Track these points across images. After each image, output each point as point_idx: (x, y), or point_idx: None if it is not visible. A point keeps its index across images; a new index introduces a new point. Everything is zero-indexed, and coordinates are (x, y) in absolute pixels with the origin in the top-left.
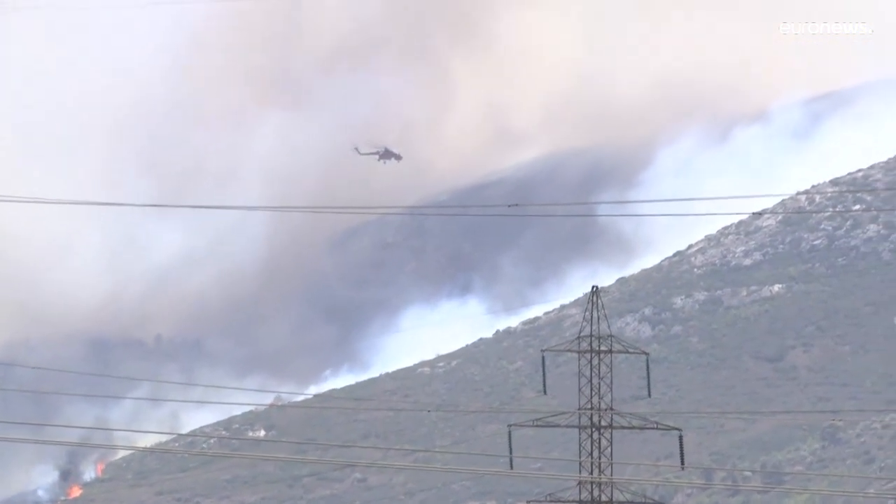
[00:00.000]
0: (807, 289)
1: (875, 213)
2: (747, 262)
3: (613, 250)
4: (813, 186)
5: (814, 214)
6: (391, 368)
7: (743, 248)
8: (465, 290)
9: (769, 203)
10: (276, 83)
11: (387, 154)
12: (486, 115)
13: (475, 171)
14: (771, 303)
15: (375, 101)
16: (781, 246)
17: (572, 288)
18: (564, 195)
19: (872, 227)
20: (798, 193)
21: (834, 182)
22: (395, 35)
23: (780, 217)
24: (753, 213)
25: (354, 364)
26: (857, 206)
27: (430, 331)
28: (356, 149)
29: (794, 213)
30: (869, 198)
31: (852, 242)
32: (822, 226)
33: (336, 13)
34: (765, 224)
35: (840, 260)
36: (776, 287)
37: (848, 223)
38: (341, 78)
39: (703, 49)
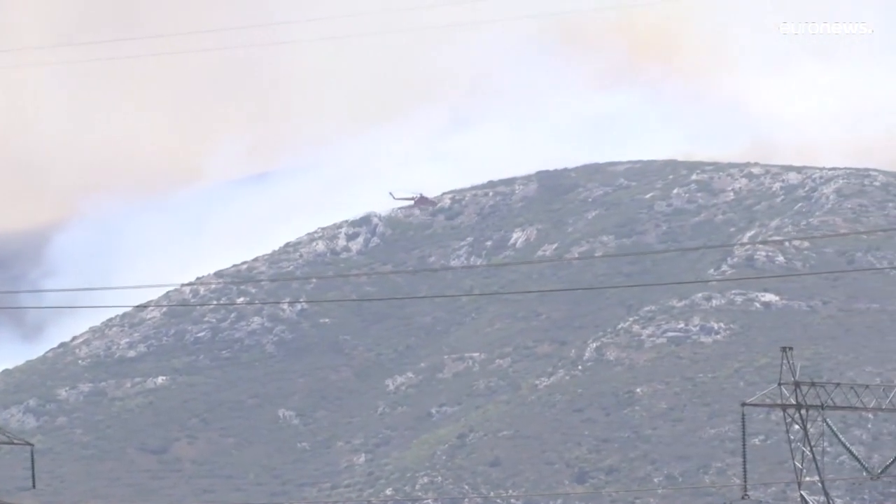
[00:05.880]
0: (191, 381)
1: (259, 305)
2: (132, 353)
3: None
4: (198, 278)
5: (198, 307)
6: None
7: (128, 339)
8: None
9: (155, 294)
10: None
11: (422, 201)
12: None
13: None
14: (155, 394)
15: None
16: (166, 338)
17: None
18: None
19: (257, 319)
20: (183, 285)
21: (219, 274)
22: None
23: (164, 309)
24: (137, 307)
25: None
26: (242, 299)
27: None
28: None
29: (179, 306)
30: (253, 290)
31: (237, 335)
32: (207, 318)
33: None
34: (149, 316)
35: (224, 352)
36: (160, 379)
37: (232, 315)
38: None
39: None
